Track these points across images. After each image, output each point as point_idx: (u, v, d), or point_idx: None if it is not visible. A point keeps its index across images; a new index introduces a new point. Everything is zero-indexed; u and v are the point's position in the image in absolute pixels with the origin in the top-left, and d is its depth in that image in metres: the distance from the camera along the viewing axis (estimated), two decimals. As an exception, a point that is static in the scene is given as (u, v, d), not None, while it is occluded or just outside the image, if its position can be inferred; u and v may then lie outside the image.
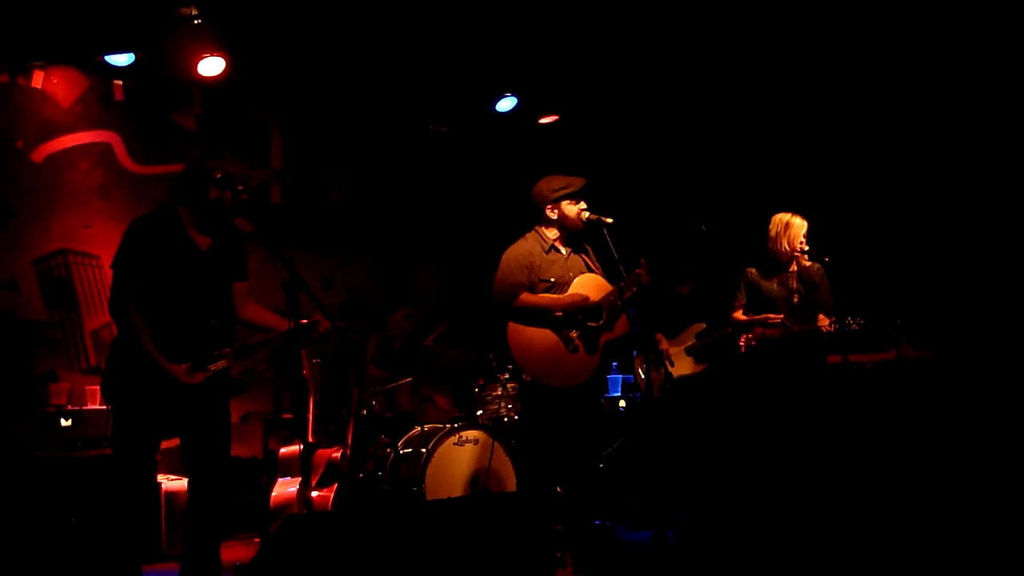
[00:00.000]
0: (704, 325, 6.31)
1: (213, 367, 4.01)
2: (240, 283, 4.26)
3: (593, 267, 5.14)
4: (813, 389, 5.39)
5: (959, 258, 6.23)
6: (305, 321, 4.03)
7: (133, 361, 3.94)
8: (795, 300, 5.48)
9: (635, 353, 6.52)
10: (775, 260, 5.54)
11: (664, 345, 6.32)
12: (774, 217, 5.54)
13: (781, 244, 5.47)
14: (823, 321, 5.31)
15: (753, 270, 5.63)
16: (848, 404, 5.67)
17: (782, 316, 5.43)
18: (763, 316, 5.48)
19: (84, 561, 5.27)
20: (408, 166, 8.09)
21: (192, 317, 4.02)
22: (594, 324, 4.97)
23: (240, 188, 4.05)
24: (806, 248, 5.42)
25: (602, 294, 5.00)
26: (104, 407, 5.30)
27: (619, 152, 8.05)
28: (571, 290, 4.99)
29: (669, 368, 6.18)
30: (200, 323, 4.03)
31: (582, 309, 4.91)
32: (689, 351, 6.29)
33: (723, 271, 6.02)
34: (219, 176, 4.01)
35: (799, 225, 5.46)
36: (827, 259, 5.41)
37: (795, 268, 5.52)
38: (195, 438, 4.09)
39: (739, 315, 5.63)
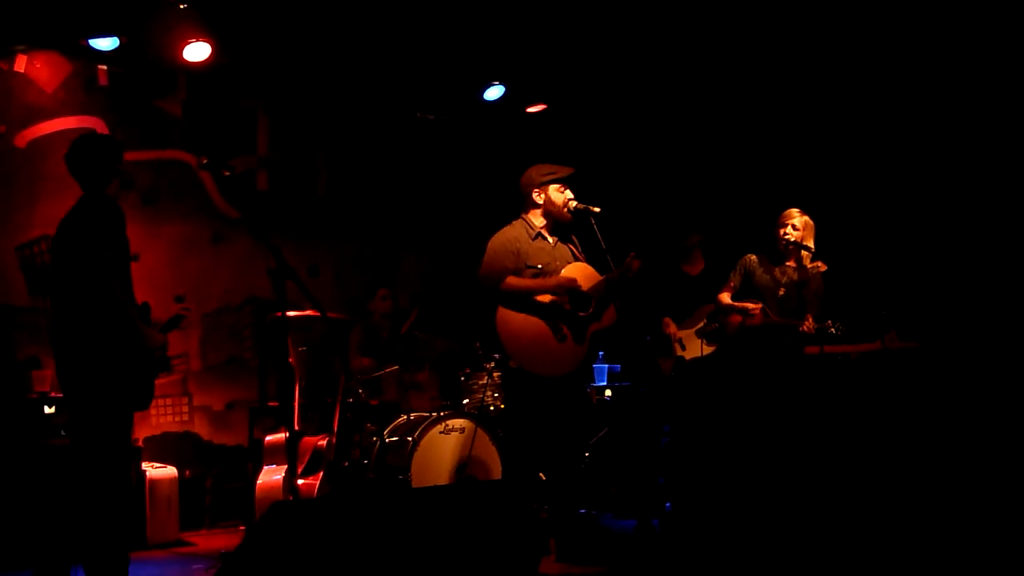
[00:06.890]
0: (714, 306, 6.29)
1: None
2: None
3: (580, 258, 5.14)
4: (789, 377, 5.41)
5: (948, 251, 6.25)
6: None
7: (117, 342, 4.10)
8: (780, 293, 5.50)
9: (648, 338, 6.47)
10: (777, 251, 5.58)
11: (672, 329, 6.30)
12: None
13: (779, 235, 5.51)
14: (809, 323, 5.31)
15: (754, 257, 5.66)
16: (829, 393, 5.69)
17: (760, 305, 5.45)
18: (742, 304, 5.51)
19: (70, 549, 5.25)
20: (396, 154, 8.05)
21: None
22: (583, 314, 4.97)
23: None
24: (792, 239, 5.44)
25: (591, 283, 5.00)
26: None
27: (607, 142, 8.03)
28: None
29: (680, 352, 6.17)
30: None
31: (570, 291, 4.90)
32: (699, 334, 6.27)
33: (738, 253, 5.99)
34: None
35: (788, 216, 5.50)
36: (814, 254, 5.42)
37: (794, 264, 5.55)
38: None
39: (725, 297, 5.67)
